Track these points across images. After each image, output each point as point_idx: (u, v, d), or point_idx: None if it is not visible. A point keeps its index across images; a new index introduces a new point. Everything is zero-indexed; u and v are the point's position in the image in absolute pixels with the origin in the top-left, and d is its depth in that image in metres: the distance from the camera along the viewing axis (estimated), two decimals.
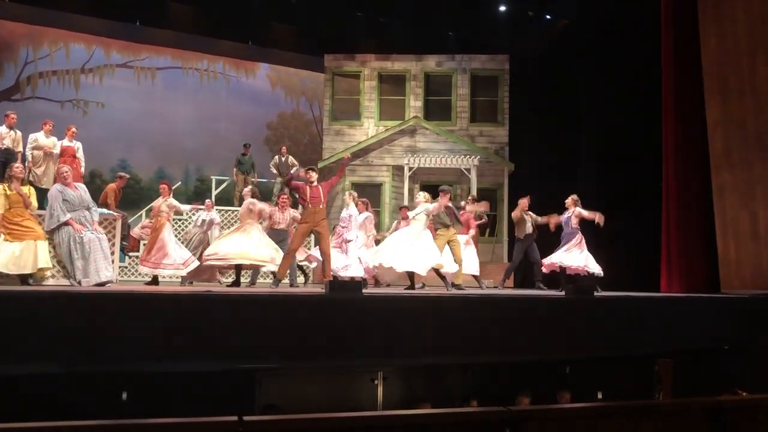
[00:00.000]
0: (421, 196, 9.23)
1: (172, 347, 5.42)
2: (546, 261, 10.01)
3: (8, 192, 7.37)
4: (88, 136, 11.49)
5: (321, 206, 8.32)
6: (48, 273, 7.50)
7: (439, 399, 7.18)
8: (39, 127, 10.34)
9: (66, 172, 7.62)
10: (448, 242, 9.36)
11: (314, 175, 8.53)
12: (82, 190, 7.61)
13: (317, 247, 9.29)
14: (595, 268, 9.71)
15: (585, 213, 9.73)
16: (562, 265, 9.79)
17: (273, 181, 14.26)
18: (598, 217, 9.52)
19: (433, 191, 9.73)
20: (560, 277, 10.05)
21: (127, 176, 10.58)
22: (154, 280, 9.07)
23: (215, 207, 11.35)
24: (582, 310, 7.43)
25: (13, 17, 15.66)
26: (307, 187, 8.40)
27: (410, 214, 9.33)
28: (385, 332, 6.23)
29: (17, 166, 7.68)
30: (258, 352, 5.72)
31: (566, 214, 9.94)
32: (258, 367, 6.07)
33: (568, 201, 9.96)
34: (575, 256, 9.70)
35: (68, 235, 7.25)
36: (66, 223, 7.27)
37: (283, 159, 14.07)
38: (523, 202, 10.65)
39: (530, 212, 10.63)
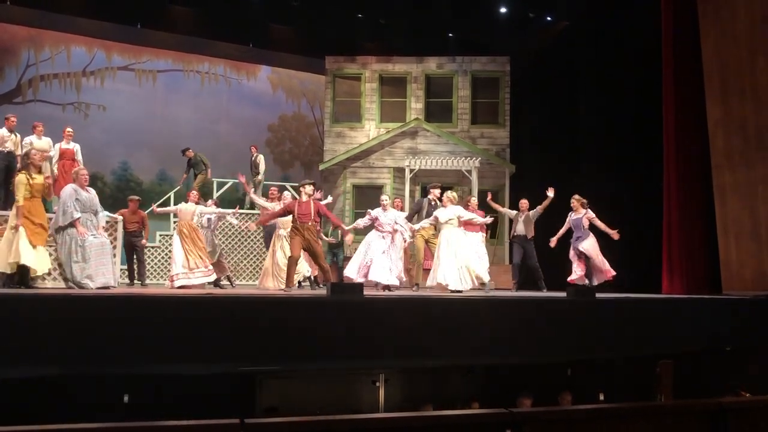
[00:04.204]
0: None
1: (173, 350, 5.42)
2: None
3: (31, 181, 7.29)
4: (89, 139, 11.53)
5: (310, 223, 8.36)
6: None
7: (441, 401, 7.18)
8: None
9: (85, 174, 7.74)
10: (427, 241, 9.70)
11: (309, 189, 8.56)
12: (93, 194, 7.70)
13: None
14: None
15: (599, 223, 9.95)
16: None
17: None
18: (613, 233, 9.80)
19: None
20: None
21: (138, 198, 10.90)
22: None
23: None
24: (583, 311, 7.43)
25: (14, 20, 15.69)
26: (296, 204, 8.48)
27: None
28: (386, 334, 6.23)
29: (35, 153, 7.62)
30: (259, 354, 5.72)
31: (575, 216, 10.04)
32: (259, 369, 6.06)
33: (574, 203, 10.10)
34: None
35: (71, 237, 7.28)
36: (72, 225, 7.29)
37: (252, 158, 14.04)
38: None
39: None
